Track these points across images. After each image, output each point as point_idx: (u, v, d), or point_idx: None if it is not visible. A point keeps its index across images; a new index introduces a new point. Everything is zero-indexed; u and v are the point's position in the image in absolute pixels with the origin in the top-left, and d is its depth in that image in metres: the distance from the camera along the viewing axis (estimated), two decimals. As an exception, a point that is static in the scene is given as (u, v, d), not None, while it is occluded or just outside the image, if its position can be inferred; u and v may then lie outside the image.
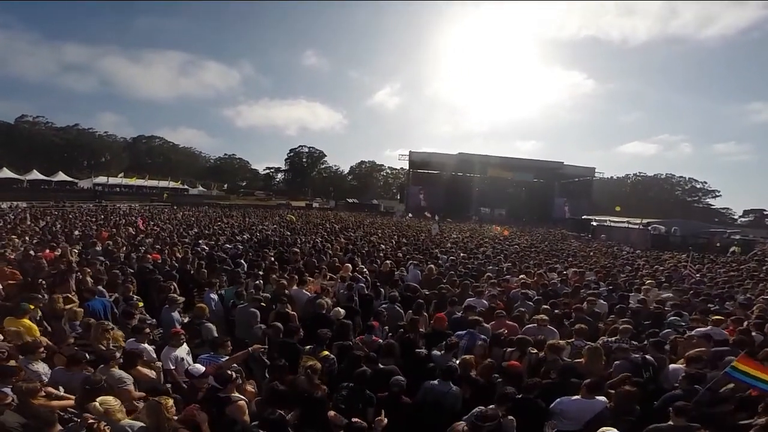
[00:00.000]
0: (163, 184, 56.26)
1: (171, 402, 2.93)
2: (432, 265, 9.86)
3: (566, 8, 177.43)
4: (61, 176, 47.38)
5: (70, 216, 21.01)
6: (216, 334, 4.98)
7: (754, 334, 5.82)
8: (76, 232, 14.11)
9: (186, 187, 62.35)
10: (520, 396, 3.88)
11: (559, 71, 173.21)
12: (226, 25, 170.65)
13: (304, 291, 7.06)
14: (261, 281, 7.39)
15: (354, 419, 3.19)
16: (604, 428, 3.14)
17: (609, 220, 32.34)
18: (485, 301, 6.94)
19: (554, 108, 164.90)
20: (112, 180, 51.43)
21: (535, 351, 4.82)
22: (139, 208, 31.36)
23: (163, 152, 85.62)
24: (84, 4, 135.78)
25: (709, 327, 6.01)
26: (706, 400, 3.86)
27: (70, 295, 5.75)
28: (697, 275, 11.63)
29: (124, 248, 10.46)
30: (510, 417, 3.56)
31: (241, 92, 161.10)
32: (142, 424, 2.90)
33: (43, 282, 6.19)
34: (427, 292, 7.49)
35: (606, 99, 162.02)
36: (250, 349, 3.97)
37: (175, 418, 2.90)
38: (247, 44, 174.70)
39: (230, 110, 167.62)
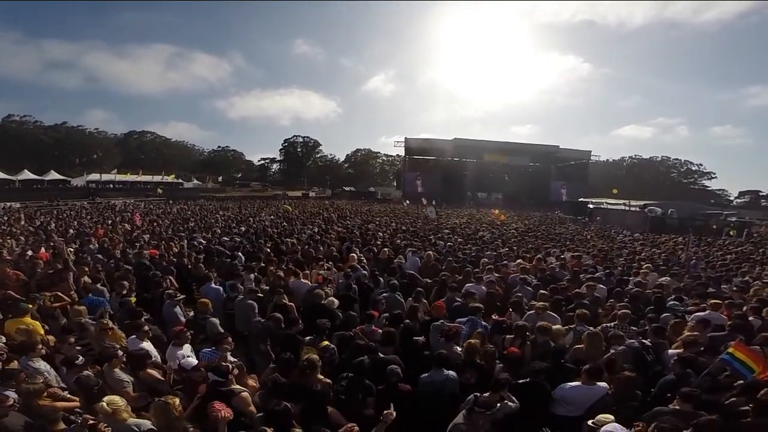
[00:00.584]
0: (157, 179, 55.84)
1: (178, 401, 2.93)
2: (431, 252, 9.83)
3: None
4: (54, 175, 46.95)
5: (65, 214, 20.86)
6: (220, 329, 4.97)
7: (751, 318, 5.81)
8: (71, 231, 14.01)
9: (181, 181, 61.87)
10: (528, 380, 3.94)
11: (555, 56, 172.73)
12: (214, 15, 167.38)
13: (302, 281, 7.04)
14: (258, 274, 7.38)
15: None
16: (601, 416, 3.14)
17: (605, 203, 32.43)
18: (483, 288, 6.94)
19: (550, 92, 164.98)
20: (105, 177, 51.03)
21: (529, 334, 4.85)
22: (135, 204, 31.14)
23: (156, 147, 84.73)
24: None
25: (707, 311, 6.02)
26: (706, 387, 3.85)
27: (60, 294, 5.72)
28: (693, 258, 11.66)
29: (121, 245, 10.39)
30: (507, 401, 3.59)
31: (232, 83, 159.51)
32: (149, 423, 2.89)
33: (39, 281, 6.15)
34: (429, 281, 7.46)
35: (602, 83, 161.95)
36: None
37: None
38: (236, 35, 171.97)
39: (222, 102, 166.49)
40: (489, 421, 3.27)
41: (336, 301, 5.86)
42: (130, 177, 52.74)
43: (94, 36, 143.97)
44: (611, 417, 3.12)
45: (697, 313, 5.96)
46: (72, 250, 9.31)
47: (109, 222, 17.21)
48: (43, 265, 7.45)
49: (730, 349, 3.96)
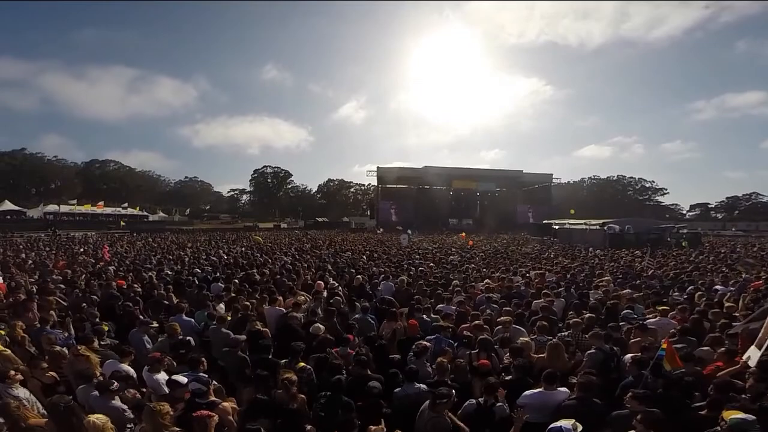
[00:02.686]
0: (118, 211, 53.91)
1: (167, 408, 2.97)
2: (403, 277, 10.09)
3: (526, 14, 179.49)
4: (8, 205, 44.59)
5: (21, 246, 20.13)
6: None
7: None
8: (30, 262, 13.57)
9: (145, 213, 59.97)
10: (513, 377, 4.34)
11: (519, 79, 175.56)
12: (178, 37, 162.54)
13: (276, 308, 7.08)
14: (229, 303, 7.36)
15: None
16: (562, 420, 3.23)
17: (568, 223, 33.80)
18: (454, 308, 7.21)
19: (516, 116, 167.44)
20: (64, 208, 48.70)
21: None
22: (96, 237, 29.96)
23: (119, 177, 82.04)
24: (18, 14, 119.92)
25: (657, 317, 6.41)
26: (655, 385, 4.10)
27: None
28: (651, 269, 12.35)
29: (84, 276, 10.12)
30: (499, 404, 3.86)
31: (198, 109, 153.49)
32: None
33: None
34: (399, 304, 7.66)
35: (564, 104, 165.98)
36: None
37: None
38: (201, 58, 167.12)
39: (187, 129, 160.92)
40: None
41: (322, 327, 5.94)
42: (90, 209, 50.52)
43: (49, 54, 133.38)
44: (573, 420, 3.23)
45: (648, 320, 6.35)
46: (32, 281, 9.05)
47: (76, 254, 16.72)
48: (3, 295, 7.23)
49: (663, 346, 4.33)
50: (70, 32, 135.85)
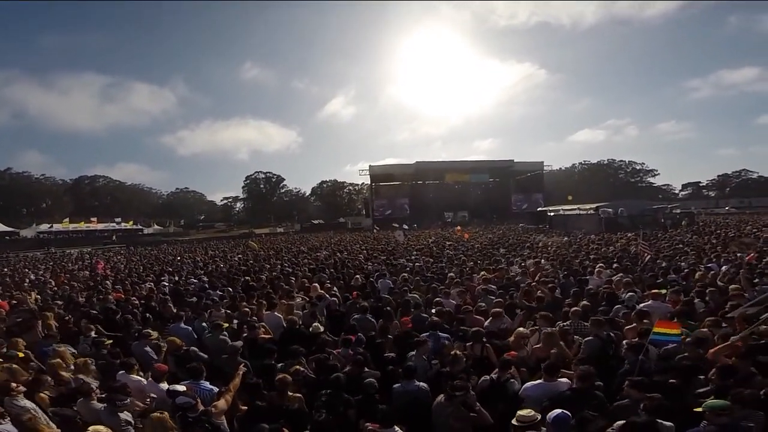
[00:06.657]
0: (112, 226, 53.61)
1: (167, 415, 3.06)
2: (405, 274, 10.12)
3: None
4: (0, 227, 44.12)
5: (19, 265, 20.42)
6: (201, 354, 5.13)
7: (697, 301, 6.24)
8: (27, 280, 13.61)
9: (140, 227, 59.60)
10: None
11: (512, 64, 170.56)
12: (148, 39, 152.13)
13: (275, 314, 7.09)
14: (229, 310, 7.41)
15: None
16: (521, 412, 3.24)
17: (562, 209, 33.90)
18: (453, 301, 7.25)
19: (509, 104, 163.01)
20: (57, 226, 48.38)
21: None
22: (92, 252, 29.83)
23: (110, 192, 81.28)
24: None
25: (650, 301, 6.30)
26: (654, 370, 4.12)
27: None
28: (648, 253, 12.40)
29: (84, 292, 10.18)
30: (512, 380, 4.00)
31: (179, 115, 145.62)
32: None
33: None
34: (395, 300, 7.68)
35: (557, 88, 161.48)
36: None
37: None
38: (176, 60, 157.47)
39: (170, 137, 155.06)
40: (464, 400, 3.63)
41: (321, 327, 5.95)
42: (84, 226, 50.20)
43: (11, 63, 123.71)
44: (533, 411, 3.21)
45: (644, 303, 6.32)
46: (32, 298, 9.11)
47: (73, 271, 16.80)
48: (5, 313, 7.29)
49: (654, 329, 4.33)
50: (29, 37, 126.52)
